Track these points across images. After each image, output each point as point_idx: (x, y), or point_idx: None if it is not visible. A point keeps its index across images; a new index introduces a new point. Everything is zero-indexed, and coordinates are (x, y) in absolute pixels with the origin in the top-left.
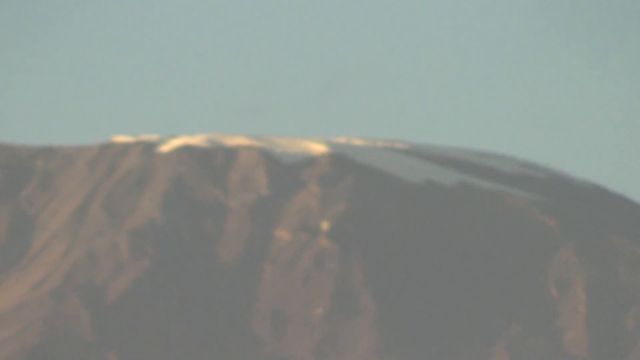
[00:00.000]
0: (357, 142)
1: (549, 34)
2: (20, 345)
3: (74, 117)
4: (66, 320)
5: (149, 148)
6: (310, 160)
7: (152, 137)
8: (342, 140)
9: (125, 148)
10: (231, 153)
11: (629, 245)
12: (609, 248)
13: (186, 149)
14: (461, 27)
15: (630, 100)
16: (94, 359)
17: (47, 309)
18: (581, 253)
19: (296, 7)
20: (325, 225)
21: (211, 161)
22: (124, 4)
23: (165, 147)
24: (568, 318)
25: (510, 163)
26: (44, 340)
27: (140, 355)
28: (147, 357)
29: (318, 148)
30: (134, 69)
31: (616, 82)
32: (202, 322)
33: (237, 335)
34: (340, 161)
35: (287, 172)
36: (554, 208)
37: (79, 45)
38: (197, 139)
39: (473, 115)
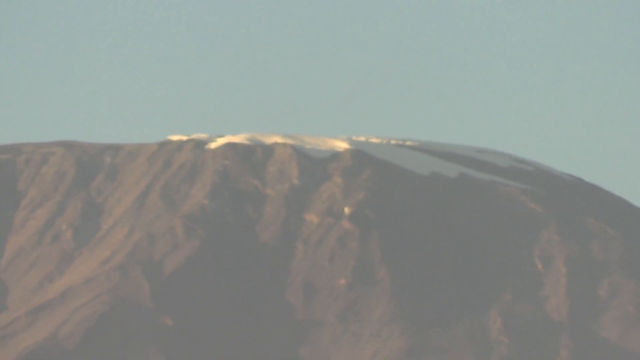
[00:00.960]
0: (374, 140)
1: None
2: (91, 311)
3: (137, 118)
4: (129, 291)
5: (199, 145)
6: (335, 156)
7: (202, 135)
8: (361, 138)
9: (180, 145)
10: (268, 149)
11: (602, 227)
12: (585, 229)
13: (230, 146)
14: (461, 41)
15: (607, 102)
16: (153, 322)
17: (113, 281)
18: (562, 233)
19: (327, 25)
20: (347, 210)
21: (251, 156)
22: (189, 18)
23: (213, 145)
24: (551, 288)
25: (504, 158)
26: (111, 307)
27: (192, 319)
28: (197, 321)
29: (341, 145)
30: (188, 77)
31: (595, 83)
32: (244, 292)
33: (274, 303)
34: (360, 156)
35: (315, 165)
36: (539, 195)
37: (145, 57)
38: (239, 138)
39: (472, 117)
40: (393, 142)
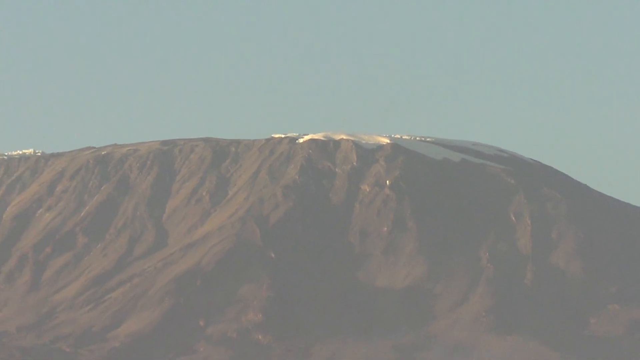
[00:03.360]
0: (405, 137)
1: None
2: (222, 248)
3: (251, 121)
4: (246, 235)
5: (292, 140)
6: (380, 147)
7: (294, 134)
8: (397, 136)
9: (279, 140)
10: (337, 143)
11: (553, 193)
12: (542, 195)
13: (312, 141)
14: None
15: (569, 98)
16: (262, 255)
17: (236, 228)
18: (527, 197)
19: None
20: (388, 182)
21: (326, 147)
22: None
23: (301, 140)
24: (520, 233)
25: (490, 149)
26: (234, 245)
27: (287, 253)
28: (290, 254)
29: (384, 140)
30: (289, 82)
31: (557, 83)
32: (321, 235)
33: (340, 243)
34: (396, 148)
35: (367, 153)
36: (513, 173)
37: (261, 71)
38: (318, 135)
39: (470, 119)
40: (418, 138)
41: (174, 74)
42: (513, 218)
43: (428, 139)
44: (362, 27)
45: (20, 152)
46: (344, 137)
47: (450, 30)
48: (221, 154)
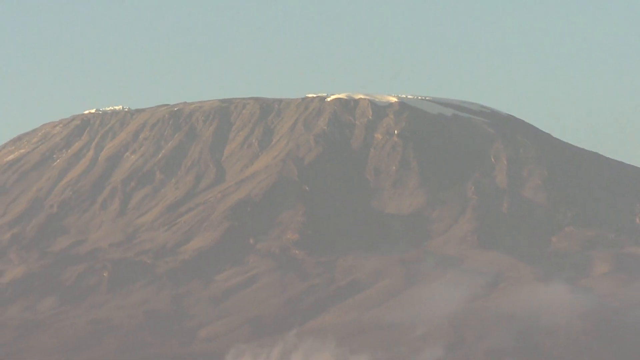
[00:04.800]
0: (410, 96)
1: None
2: (267, 182)
3: (290, 81)
4: (286, 172)
5: (322, 99)
6: (390, 105)
7: (322, 94)
8: (403, 95)
9: (312, 99)
10: (356, 101)
11: (524, 140)
12: (515, 141)
13: (337, 100)
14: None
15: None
16: (298, 188)
17: (278, 167)
18: (504, 143)
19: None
20: (396, 132)
21: (348, 104)
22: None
23: (329, 99)
24: (498, 171)
25: (475, 105)
26: (277, 180)
27: (318, 186)
28: (320, 187)
29: (392, 99)
30: (322, 53)
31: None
32: (344, 173)
33: (359, 179)
34: (402, 105)
35: (379, 109)
36: (492, 124)
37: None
38: (342, 95)
39: (459, 80)
40: (419, 97)
41: (232, 47)
42: (493, 160)
43: (427, 98)
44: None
45: (112, 108)
46: (362, 97)
47: (443, 11)
48: (267, 109)
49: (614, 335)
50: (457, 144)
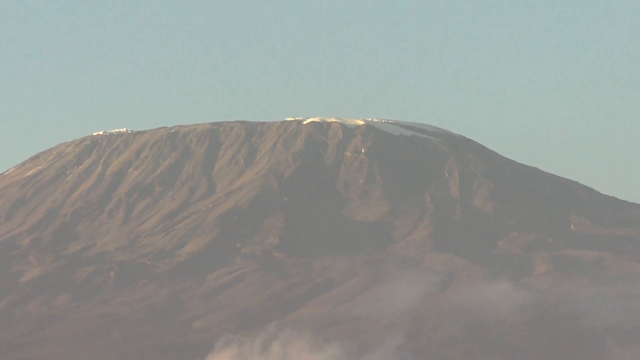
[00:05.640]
0: (375, 119)
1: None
2: (251, 195)
3: (272, 107)
4: (267, 185)
5: (299, 122)
6: (358, 127)
7: (298, 118)
8: (369, 118)
9: (290, 122)
10: (329, 124)
11: (474, 158)
12: (466, 159)
13: (312, 123)
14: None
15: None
16: (279, 200)
17: (261, 181)
18: (456, 160)
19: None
20: (363, 150)
21: (321, 127)
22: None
23: (305, 122)
24: (451, 184)
25: (431, 128)
26: (260, 192)
27: (295, 197)
28: (297, 197)
29: (359, 122)
30: (298, 81)
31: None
32: (317, 185)
33: (331, 191)
34: (369, 127)
35: (349, 130)
36: (447, 144)
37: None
38: (316, 119)
39: (418, 106)
40: (383, 120)
41: (222, 79)
42: (447, 174)
43: (390, 121)
44: (353, 31)
45: (117, 130)
46: (334, 120)
47: (412, 37)
48: (251, 131)
49: (550, 325)
50: (416, 161)
